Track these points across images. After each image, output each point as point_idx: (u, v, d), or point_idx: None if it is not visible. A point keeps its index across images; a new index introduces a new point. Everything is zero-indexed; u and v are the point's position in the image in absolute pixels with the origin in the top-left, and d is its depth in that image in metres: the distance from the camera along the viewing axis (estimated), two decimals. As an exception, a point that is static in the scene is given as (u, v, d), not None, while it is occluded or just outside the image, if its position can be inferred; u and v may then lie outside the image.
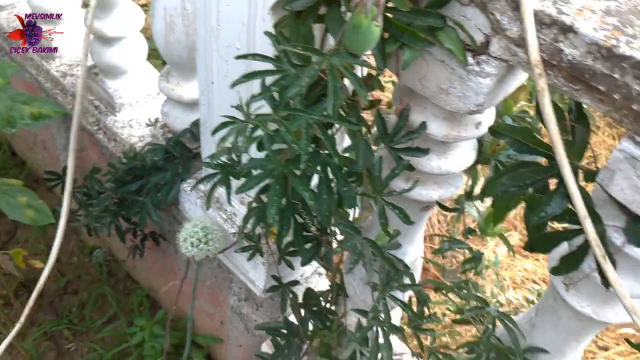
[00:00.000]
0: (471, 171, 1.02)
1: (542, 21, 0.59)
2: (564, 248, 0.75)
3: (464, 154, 0.84)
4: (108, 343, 1.89)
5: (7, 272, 1.58)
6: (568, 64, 0.59)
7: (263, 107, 0.75)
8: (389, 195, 0.81)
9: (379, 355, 0.91)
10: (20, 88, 1.80)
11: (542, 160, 0.69)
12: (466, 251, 1.09)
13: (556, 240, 0.71)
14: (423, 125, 0.77)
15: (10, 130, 1.23)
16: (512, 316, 0.91)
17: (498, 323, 0.91)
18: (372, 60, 0.71)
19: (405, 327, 1.05)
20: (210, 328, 1.70)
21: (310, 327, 1.14)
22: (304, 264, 0.99)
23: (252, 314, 1.42)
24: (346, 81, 0.70)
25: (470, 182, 1.05)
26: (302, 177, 0.72)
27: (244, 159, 0.84)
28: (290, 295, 1.18)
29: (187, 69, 1.36)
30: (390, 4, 0.65)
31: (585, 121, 0.68)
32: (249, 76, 0.71)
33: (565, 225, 0.68)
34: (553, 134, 0.63)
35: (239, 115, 0.77)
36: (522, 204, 0.72)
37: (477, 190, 1.01)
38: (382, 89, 0.76)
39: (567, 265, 0.71)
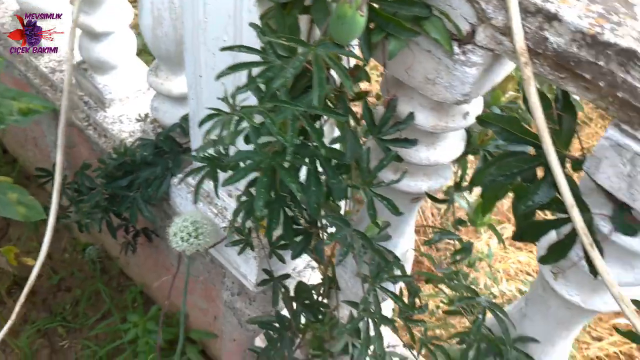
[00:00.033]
0: (460, 162, 1.02)
1: (527, 9, 0.59)
2: (552, 237, 0.75)
3: (452, 145, 0.83)
4: (102, 340, 1.89)
5: (0, 270, 1.57)
6: (553, 52, 0.59)
7: (250, 99, 0.75)
8: (378, 187, 0.81)
9: (371, 347, 0.91)
10: (10, 85, 1.78)
11: (530, 150, 0.69)
12: (457, 242, 1.09)
13: (544, 229, 0.71)
14: (411, 115, 0.77)
15: (-1, 127, 1.23)
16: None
17: (489, 313, 0.91)
18: (359, 52, 0.71)
19: (397, 319, 1.05)
20: (204, 323, 1.70)
21: (303, 320, 1.14)
22: (294, 256, 0.99)
23: (245, 308, 1.41)
24: (334, 72, 0.70)
25: (460, 173, 1.05)
26: (290, 170, 0.71)
27: (232, 151, 0.83)
28: (282, 289, 1.17)
29: (176, 63, 1.35)
30: (375, -6, 0.65)
31: (572, 110, 0.68)
32: (234, 67, 0.70)
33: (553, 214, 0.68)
34: (539, 122, 0.63)
35: (226, 107, 0.76)
36: (512, 195, 0.72)
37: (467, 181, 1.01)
38: (368, 79, 0.76)
39: (555, 254, 0.71)
